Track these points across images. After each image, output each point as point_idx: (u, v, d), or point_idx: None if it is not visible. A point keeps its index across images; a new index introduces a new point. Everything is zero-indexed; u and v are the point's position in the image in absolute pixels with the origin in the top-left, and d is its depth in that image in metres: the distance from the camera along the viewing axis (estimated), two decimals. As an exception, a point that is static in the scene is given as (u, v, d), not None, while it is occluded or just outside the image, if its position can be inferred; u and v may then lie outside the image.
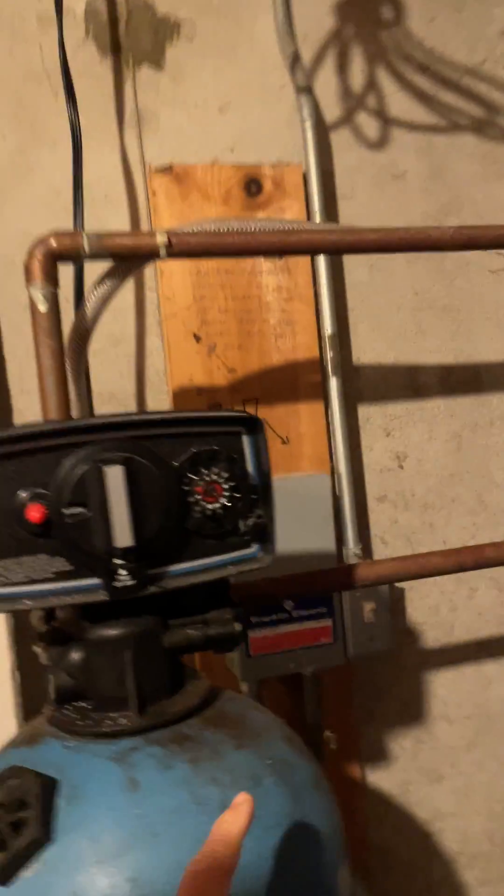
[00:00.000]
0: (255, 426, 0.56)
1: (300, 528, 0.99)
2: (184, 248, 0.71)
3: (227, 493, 0.54)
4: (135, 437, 0.52)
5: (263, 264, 1.06)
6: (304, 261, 1.06)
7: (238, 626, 0.57)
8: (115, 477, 0.49)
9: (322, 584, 0.75)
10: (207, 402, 1.04)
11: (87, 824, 0.47)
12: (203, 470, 0.54)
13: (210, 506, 0.54)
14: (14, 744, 0.55)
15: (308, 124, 1.02)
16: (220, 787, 0.50)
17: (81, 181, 0.89)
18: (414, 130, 1.14)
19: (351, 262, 1.11)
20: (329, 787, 0.58)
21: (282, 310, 1.07)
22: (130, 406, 1.04)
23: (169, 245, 0.70)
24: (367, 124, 1.13)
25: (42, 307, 0.66)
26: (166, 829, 0.47)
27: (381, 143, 1.13)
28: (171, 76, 1.04)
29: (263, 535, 0.56)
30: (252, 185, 1.06)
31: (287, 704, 1.06)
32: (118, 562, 0.51)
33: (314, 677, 1.04)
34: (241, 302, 1.05)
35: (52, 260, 0.68)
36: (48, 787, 0.48)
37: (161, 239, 0.70)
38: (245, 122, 1.08)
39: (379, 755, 1.14)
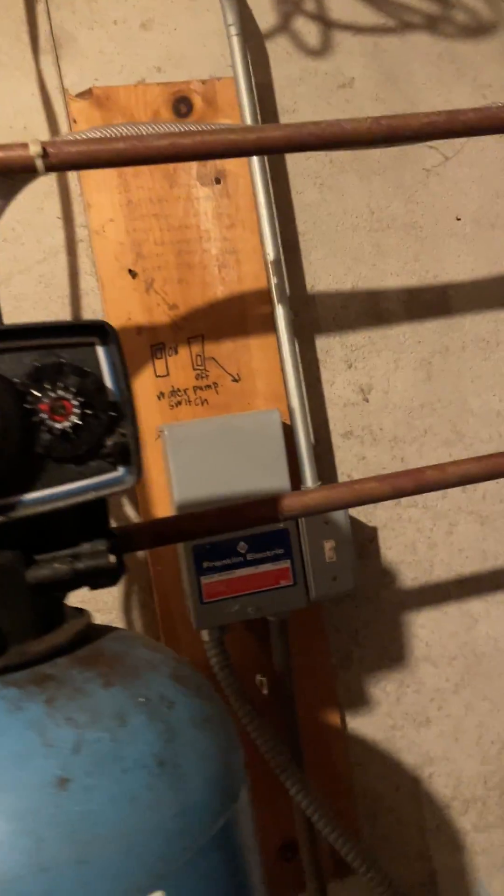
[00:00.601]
0: (109, 335, 0.50)
1: (252, 468, 0.93)
2: (65, 159, 0.65)
3: (77, 411, 0.49)
4: (-32, 353, 0.47)
5: (200, 189, 0.99)
6: (244, 182, 0.99)
7: (112, 559, 0.52)
8: None
9: (246, 516, 0.69)
10: (149, 342, 0.98)
11: None
12: (48, 386, 0.48)
13: (59, 425, 0.48)
14: None
15: (233, 30, 0.94)
16: (76, 727, 0.45)
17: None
18: (360, 33, 1.05)
19: (298, 180, 1.04)
20: (224, 725, 0.53)
21: (223, 238, 1.00)
22: (69, 351, 0.99)
23: (45, 155, 0.64)
24: (307, 30, 1.04)
25: None
26: (6, 774, 0.43)
27: (323, 50, 1.04)
28: (88, -7, 0.97)
29: (127, 455, 0.51)
30: (181, 105, 0.98)
31: (254, 651, 1.02)
32: (-46, 490, 0.46)
33: (280, 622, 1.00)
34: (178, 232, 0.99)
35: None
36: None
37: (35, 149, 0.64)
38: (171, 37, 1.00)
39: (359, 701, 1.09)
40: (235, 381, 1.01)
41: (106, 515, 0.55)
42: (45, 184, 0.97)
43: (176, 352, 0.99)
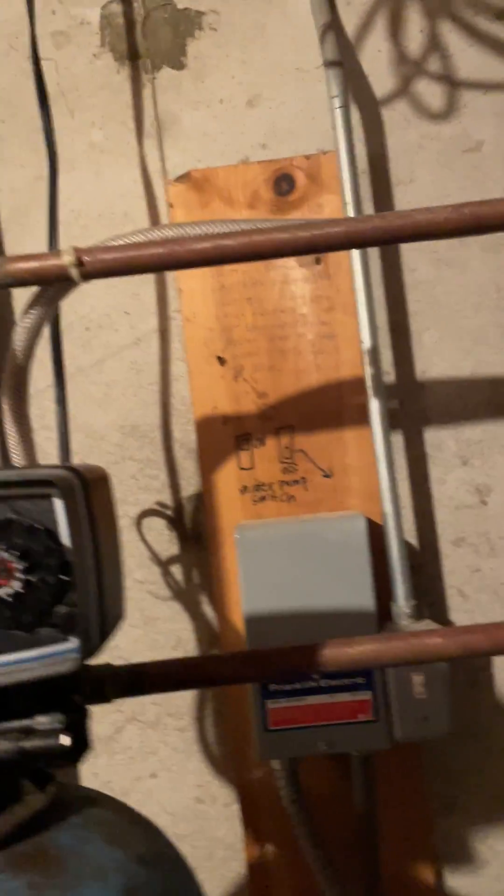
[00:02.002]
0: (71, 486, 0.44)
1: (332, 581, 0.83)
2: (101, 267, 0.61)
3: (21, 576, 0.43)
4: None
5: (296, 271, 0.92)
6: (347, 262, 0.90)
7: (66, 741, 0.45)
8: None
9: (274, 666, 0.60)
10: (235, 432, 0.92)
11: None
12: (-5, 544, 0.43)
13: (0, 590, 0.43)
14: None
15: (337, 102, 0.87)
16: None
17: (56, 202, 0.83)
18: (491, 91, 0.93)
19: (410, 256, 0.93)
20: None
21: (321, 322, 0.92)
22: (156, 440, 0.95)
23: (80, 264, 0.61)
24: (430, 91, 0.94)
25: None
26: None
27: (447, 113, 0.93)
28: (194, 74, 0.95)
29: (78, 627, 0.44)
30: (282, 183, 0.92)
31: (334, 784, 0.91)
32: None
33: (363, 757, 0.87)
34: (271, 317, 0.92)
35: (-45, 294, 0.61)
36: None
37: (68, 259, 0.60)
38: (278, 112, 0.94)
39: (462, 857, 0.93)
40: (327, 476, 0.91)
41: (74, 681, 0.48)
42: (142, 268, 0.94)
43: (263, 443, 0.92)
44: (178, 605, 0.95)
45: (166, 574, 0.95)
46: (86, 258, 0.61)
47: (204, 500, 0.93)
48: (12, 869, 0.43)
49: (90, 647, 0.44)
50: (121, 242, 0.63)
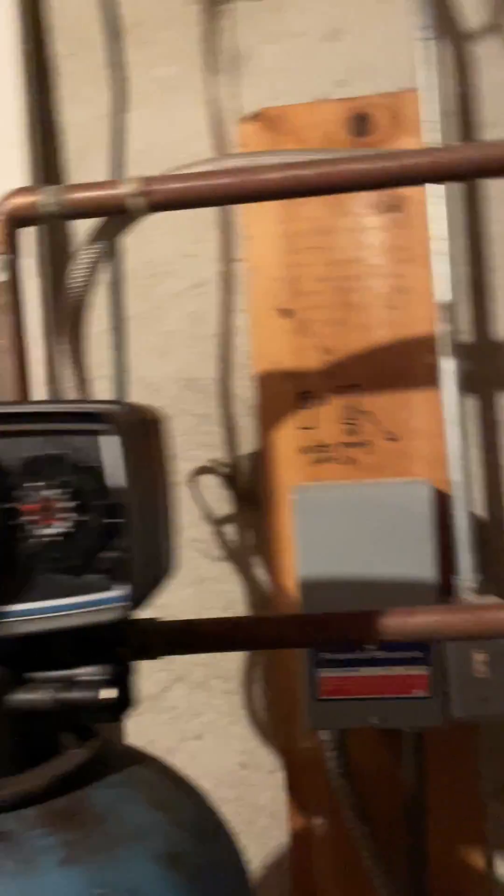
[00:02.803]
0: (124, 424, 0.40)
1: (391, 549, 0.78)
2: (164, 198, 0.57)
3: (68, 516, 0.40)
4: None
5: (371, 219, 0.86)
6: (426, 212, 0.84)
7: (107, 694, 0.42)
8: None
9: (328, 633, 0.56)
10: (296, 389, 0.87)
11: None
12: (40, 482, 0.40)
13: (45, 531, 0.40)
14: None
15: (425, 33, 0.80)
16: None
17: (122, 139, 0.79)
18: None
19: (497, 208, 0.86)
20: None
21: (395, 274, 0.86)
22: (214, 394, 0.91)
23: (143, 194, 0.57)
24: (527, 25, 0.85)
25: (2, 276, 0.57)
26: None
27: (545, 48, 0.85)
28: (271, 5, 0.89)
29: (125, 574, 0.41)
30: (360, 123, 0.86)
31: (383, 760, 0.87)
32: None
33: (415, 735, 0.83)
34: (341, 267, 0.87)
35: (11, 222, 0.58)
36: None
37: (131, 188, 0.56)
38: (359, 47, 0.88)
39: (515, 844, 0.89)
40: (392, 440, 0.86)
41: (119, 634, 0.45)
42: (207, 214, 0.90)
43: (325, 402, 0.87)
44: (229, 566, 0.92)
45: (219, 534, 0.92)
46: (150, 188, 0.57)
47: (261, 459, 0.89)
48: (47, 825, 0.41)
49: (137, 596, 0.41)
50: (189, 171, 0.59)
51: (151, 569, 0.42)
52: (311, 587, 0.79)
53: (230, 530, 0.92)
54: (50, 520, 0.40)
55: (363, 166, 0.55)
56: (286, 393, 0.87)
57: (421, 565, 0.78)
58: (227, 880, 0.44)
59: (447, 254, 0.80)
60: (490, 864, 0.89)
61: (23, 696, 0.42)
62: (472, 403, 0.87)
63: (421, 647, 0.78)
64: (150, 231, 0.78)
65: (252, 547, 0.92)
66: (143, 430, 0.41)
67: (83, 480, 0.40)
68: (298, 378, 0.87)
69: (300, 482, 0.86)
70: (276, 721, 0.91)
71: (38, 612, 0.41)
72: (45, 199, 0.57)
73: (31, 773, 0.43)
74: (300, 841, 0.88)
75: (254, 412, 0.90)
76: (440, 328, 0.81)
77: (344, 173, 0.55)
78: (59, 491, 0.40)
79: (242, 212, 0.88)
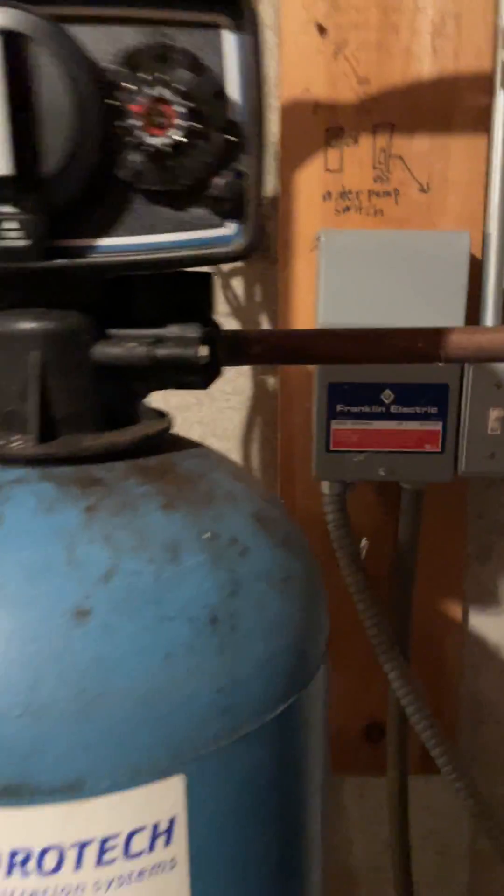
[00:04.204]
0: (247, 15, 0.33)
1: (421, 300, 0.75)
2: None
3: (182, 123, 0.34)
4: (52, 15, 0.33)
5: None
6: None
7: (204, 351, 0.38)
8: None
9: (395, 347, 0.53)
10: (325, 124, 0.79)
11: None
12: (146, 78, 0.33)
13: (153, 139, 0.34)
14: None
15: None
16: (113, 549, 0.34)
17: None
18: None
19: None
20: (310, 591, 0.40)
21: (447, -5, 0.76)
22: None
23: None
24: None
25: None
26: (15, 587, 0.33)
27: None
28: None
29: (242, 205, 0.35)
30: None
31: (378, 517, 0.89)
32: (5, 210, 0.34)
33: (415, 492, 0.85)
34: (389, -20, 0.76)
35: None
36: None
37: None
38: None
39: (490, 599, 0.95)
40: (423, 191, 0.80)
41: (208, 297, 0.41)
42: None
43: (356, 142, 0.79)
44: (235, 322, 0.88)
45: (226, 287, 0.87)
46: None
47: (279, 203, 0.82)
48: (140, 477, 0.38)
49: (252, 236, 0.36)
50: None
51: (259, 206, 0.36)
52: (332, 336, 0.76)
53: (238, 284, 0.87)
54: (157, 129, 0.34)
55: None
56: (314, 127, 0.79)
57: (451, 319, 0.75)
58: (308, 556, 0.43)
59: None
60: (465, 616, 0.95)
61: (115, 350, 0.38)
62: (510, 155, 0.81)
63: (438, 403, 0.78)
64: None
65: (259, 303, 0.87)
66: (258, 30, 0.34)
67: (199, 83, 0.33)
68: (329, 110, 0.79)
69: (320, 229, 0.81)
70: (273, 478, 0.91)
71: (136, 248, 0.36)
72: None
73: (116, 432, 0.40)
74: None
75: (274, 147, 0.81)
76: (499, 57, 0.73)
77: None
78: (168, 92, 0.33)
79: None
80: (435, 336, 0.53)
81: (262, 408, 0.89)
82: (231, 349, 0.52)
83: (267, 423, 0.90)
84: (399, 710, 0.90)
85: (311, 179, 0.80)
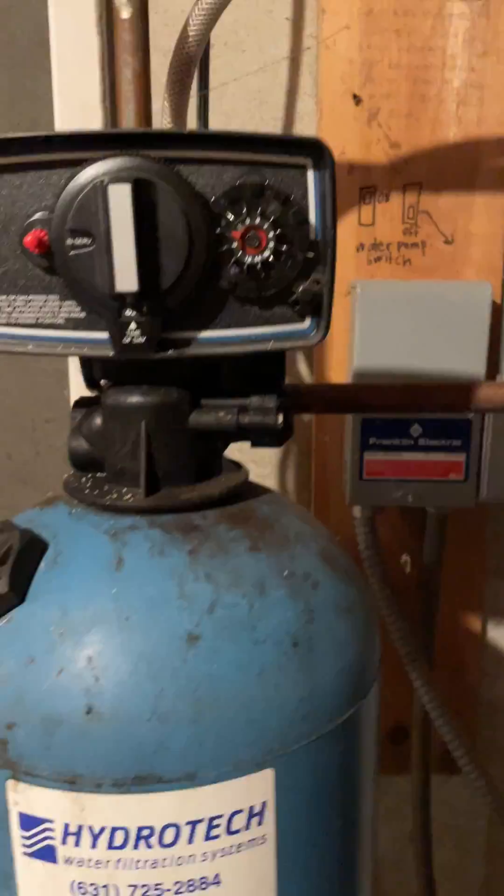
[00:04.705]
0: (326, 157, 0.42)
1: (445, 346, 0.83)
2: None
3: (272, 244, 0.42)
4: (166, 158, 0.41)
5: (455, 4, 0.83)
6: (511, 0, 0.82)
7: (280, 419, 0.47)
8: (120, 199, 0.39)
9: (434, 401, 0.61)
10: (360, 183, 0.88)
11: (61, 593, 0.42)
12: (244, 210, 0.42)
13: (249, 258, 0.42)
14: (36, 504, 0.52)
15: None
16: (214, 585, 0.42)
17: None
18: None
19: None
20: (367, 617, 0.49)
21: (471, 68, 0.84)
22: (272, 182, 0.90)
23: None
24: None
25: (125, 12, 0.54)
26: (139, 617, 0.41)
27: None
28: None
29: (318, 306, 0.44)
30: None
31: (405, 538, 0.97)
32: (129, 313, 0.42)
33: (440, 515, 0.93)
34: (418, 55, 0.84)
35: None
36: (31, 546, 0.44)
37: None
38: None
39: (506, 613, 1.03)
40: (448, 242, 0.88)
41: (282, 371, 0.49)
42: (278, -21, 0.84)
43: (387, 199, 0.88)
44: (273, 358, 0.96)
45: (265, 327, 0.95)
46: None
47: (316, 253, 0.90)
48: (229, 523, 0.46)
49: (326, 328, 0.44)
50: None
51: (331, 306, 0.45)
52: (365, 377, 0.84)
53: (277, 324, 0.95)
54: (253, 249, 0.42)
55: None
56: (350, 185, 0.87)
57: (473, 362, 0.83)
58: (363, 585, 0.51)
59: (533, 47, 0.79)
60: (484, 628, 1.03)
61: (207, 418, 0.46)
62: (527, 211, 0.89)
63: (461, 435, 0.86)
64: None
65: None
66: (334, 168, 0.42)
67: (287, 213, 0.42)
68: (363, 171, 0.87)
69: (355, 279, 0.89)
70: (308, 501, 0.99)
71: (231, 340, 0.44)
72: None
73: (206, 484, 0.48)
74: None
75: (313, 205, 0.90)
76: (518, 126, 0.81)
77: None
78: (262, 221, 0.42)
79: (319, -19, 0.83)
80: (467, 390, 0.61)
81: (298, 436, 0.97)
82: (293, 402, 0.60)
83: (302, 452, 0.98)
84: (423, 714, 0.98)
85: (346, 232, 0.89)
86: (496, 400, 0.61)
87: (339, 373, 0.91)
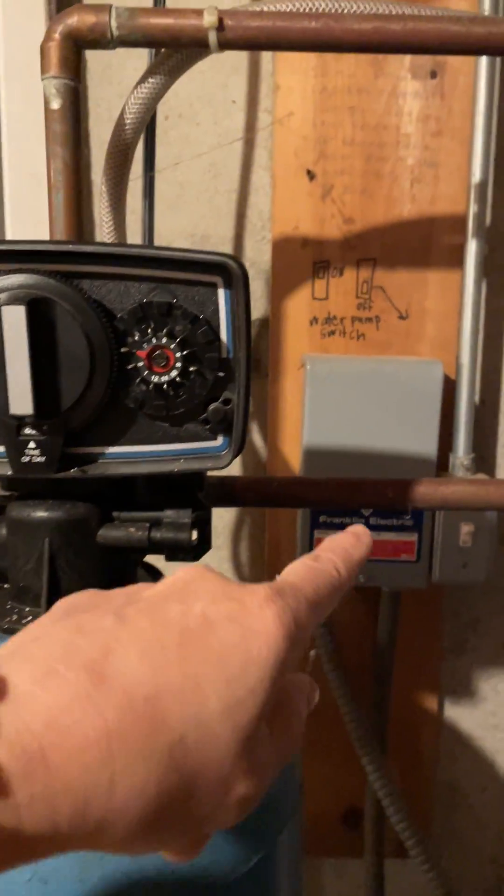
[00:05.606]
0: (236, 277, 0.40)
1: (397, 424, 0.82)
2: (243, 35, 0.53)
3: (179, 365, 0.40)
4: (67, 272, 0.39)
5: (410, 83, 0.83)
6: (466, 81, 0.82)
7: (193, 536, 0.44)
8: (14, 321, 0.37)
9: (369, 497, 0.59)
10: (313, 258, 0.87)
11: None
12: (152, 329, 0.40)
13: (156, 378, 0.40)
14: None
15: None
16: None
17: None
18: None
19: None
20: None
21: (424, 146, 0.84)
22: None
23: (220, 28, 0.53)
24: None
25: (55, 103, 0.53)
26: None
27: None
28: None
29: (229, 425, 0.42)
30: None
31: (358, 615, 0.95)
32: (27, 431, 0.40)
33: (393, 593, 0.91)
34: (372, 132, 0.84)
35: (73, 43, 0.53)
36: None
37: (210, 20, 0.52)
38: None
39: (464, 692, 1.00)
40: (402, 318, 0.87)
41: (200, 483, 0.47)
42: (234, 58, 0.84)
43: (341, 273, 0.87)
44: (227, 429, 0.94)
45: (219, 397, 0.93)
46: (229, 22, 0.53)
47: (270, 326, 0.89)
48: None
49: (238, 448, 0.42)
50: (268, 9, 0.55)
51: (245, 424, 0.43)
52: (315, 454, 0.83)
53: (230, 394, 0.93)
54: (160, 368, 0.40)
55: (455, 28, 0.53)
56: (303, 260, 0.86)
57: (425, 441, 0.81)
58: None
59: (484, 129, 0.79)
60: (441, 708, 1.00)
61: (117, 533, 0.44)
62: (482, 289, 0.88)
63: (414, 516, 0.84)
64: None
65: (252, 413, 0.93)
66: (247, 285, 0.41)
67: (195, 332, 0.40)
68: (317, 246, 0.86)
69: (308, 353, 0.88)
70: (259, 577, 0.97)
71: (138, 456, 0.42)
72: (117, 21, 0.52)
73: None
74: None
75: (266, 276, 0.89)
76: (471, 208, 0.81)
77: (433, 33, 0.53)
78: (169, 340, 0.40)
79: (275, 59, 0.83)
80: (404, 488, 0.60)
81: (251, 509, 0.95)
82: (224, 495, 0.58)
83: (256, 524, 0.95)
84: (376, 799, 0.95)
85: (300, 306, 0.87)
86: (433, 499, 0.59)
87: (292, 447, 0.89)
